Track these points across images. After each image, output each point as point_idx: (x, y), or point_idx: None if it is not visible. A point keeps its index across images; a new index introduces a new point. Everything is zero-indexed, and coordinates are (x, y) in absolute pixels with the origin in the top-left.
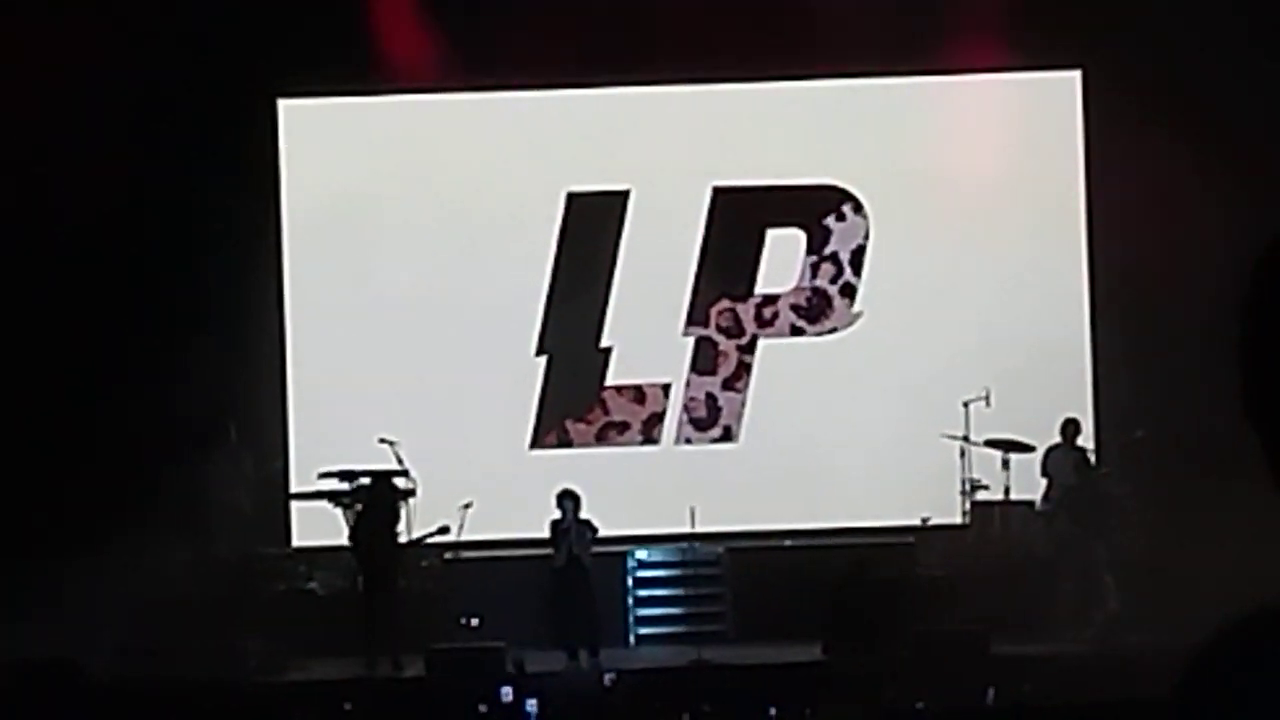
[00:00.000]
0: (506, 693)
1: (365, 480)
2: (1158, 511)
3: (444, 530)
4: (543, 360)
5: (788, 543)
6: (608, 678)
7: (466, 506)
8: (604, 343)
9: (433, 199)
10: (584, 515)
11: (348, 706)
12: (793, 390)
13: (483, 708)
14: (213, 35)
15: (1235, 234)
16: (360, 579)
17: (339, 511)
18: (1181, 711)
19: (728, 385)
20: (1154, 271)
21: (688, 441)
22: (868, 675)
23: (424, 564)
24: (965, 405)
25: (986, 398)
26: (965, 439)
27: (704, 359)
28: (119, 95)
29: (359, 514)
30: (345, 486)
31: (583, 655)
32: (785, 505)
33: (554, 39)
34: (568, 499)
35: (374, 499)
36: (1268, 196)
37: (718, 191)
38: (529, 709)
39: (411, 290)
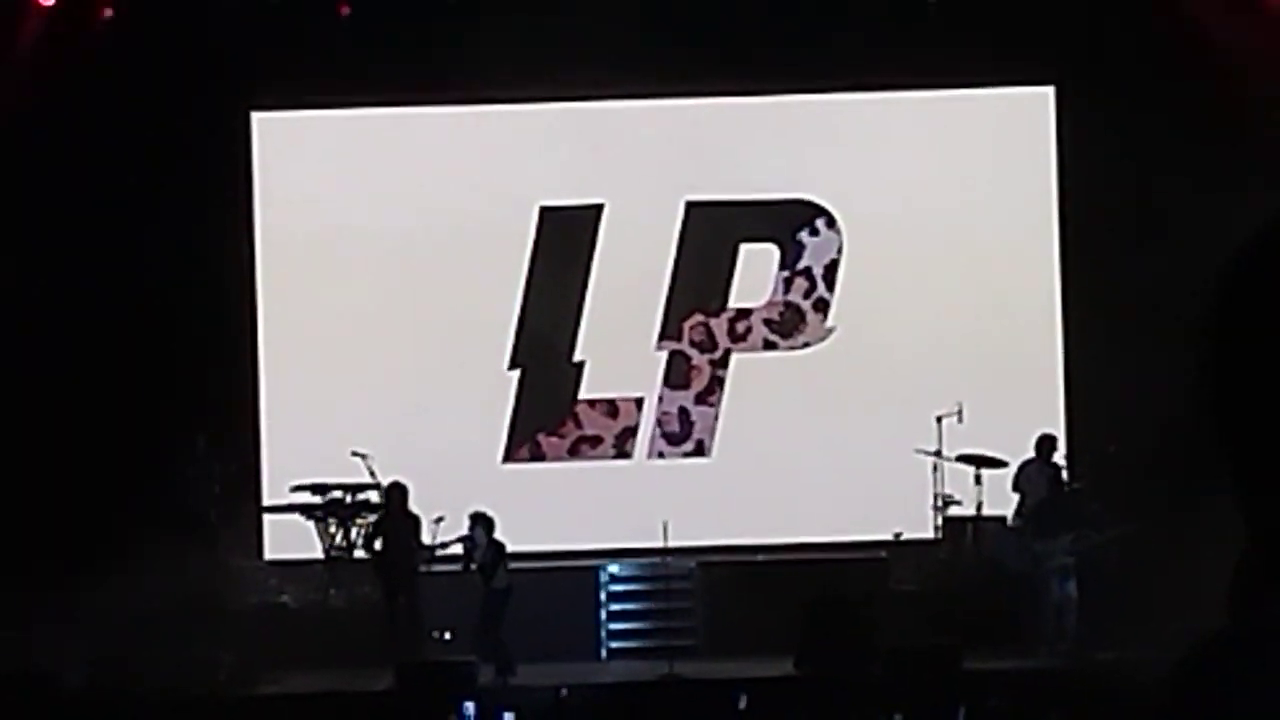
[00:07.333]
0: (469, 708)
1: (342, 493)
2: (1130, 526)
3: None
4: (516, 374)
5: (760, 557)
6: (563, 691)
7: (439, 520)
8: (577, 357)
9: (406, 212)
10: (498, 536)
11: None
12: (765, 405)
13: None
14: (186, 48)
15: (1207, 248)
16: (348, 590)
17: (311, 525)
18: None
19: (700, 399)
20: (1127, 286)
21: (660, 456)
22: (839, 690)
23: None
24: (938, 420)
25: (959, 413)
26: (938, 454)
27: (677, 373)
28: (93, 108)
29: (377, 523)
30: (318, 500)
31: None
32: (757, 520)
33: (528, 54)
34: (479, 523)
35: (392, 509)
36: (1239, 210)
37: (691, 206)
38: None
39: (384, 303)
